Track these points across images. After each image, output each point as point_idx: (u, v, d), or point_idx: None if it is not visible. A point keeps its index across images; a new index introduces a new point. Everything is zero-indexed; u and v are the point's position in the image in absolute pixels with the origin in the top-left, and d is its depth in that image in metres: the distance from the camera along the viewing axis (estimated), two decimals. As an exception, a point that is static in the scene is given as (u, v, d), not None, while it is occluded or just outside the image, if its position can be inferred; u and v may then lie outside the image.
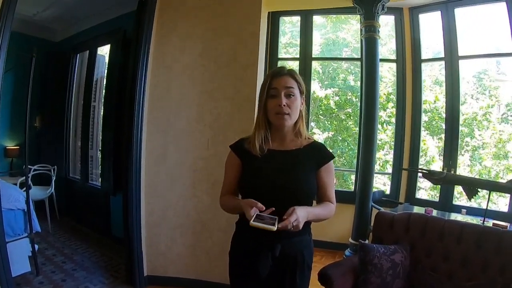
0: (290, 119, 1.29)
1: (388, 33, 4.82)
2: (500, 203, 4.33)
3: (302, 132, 1.35)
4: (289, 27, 5.43)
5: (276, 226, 1.08)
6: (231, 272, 1.40)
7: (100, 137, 4.25)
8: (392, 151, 4.28)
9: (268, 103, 1.30)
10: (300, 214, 1.13)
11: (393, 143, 4.16)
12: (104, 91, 4.25)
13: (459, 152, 3.84)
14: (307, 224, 1.32)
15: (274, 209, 1.16)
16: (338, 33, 5.74)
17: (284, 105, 1.26)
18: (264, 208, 1.15)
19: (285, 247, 1.26)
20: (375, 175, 3.63)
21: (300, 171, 1.30)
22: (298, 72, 1.36)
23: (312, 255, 1.36)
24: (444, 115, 3.85)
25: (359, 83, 5.00)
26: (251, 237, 1.29)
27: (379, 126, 5.10)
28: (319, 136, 5.86)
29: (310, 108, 4.35)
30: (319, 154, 1.35)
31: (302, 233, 1.30)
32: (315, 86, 5.62)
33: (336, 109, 5.97)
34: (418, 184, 4.06)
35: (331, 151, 1.40)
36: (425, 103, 4.54)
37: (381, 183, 5.26)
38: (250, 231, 1.27)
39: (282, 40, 5.62)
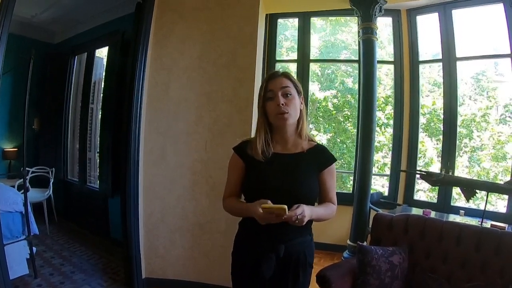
0: (291, 117, 1.30)
1: (382, 31, 4.82)
2: (498, 204, 4.33)
3: (304, 131, 1.36)
4: (292, 32, 5.43)
5: (287, 209, 1.11)
6: (234, 273, 1.41)
7: (98, 139, 4.23)
8: (390, 154, 4.28)
9: (266, 106, 1.31)
10: (306, 210, 1.16)
11: (391, 145, 4.17)
12: (102, 93, 4.25)
13: (457, 153, 3.84)
14: (309, 224, 1.34)
15: None
16: (337, 36, 5.75)
17: (283, 104, 1.27)
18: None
19: (288, 248, 1.28)
20: (373, 176, 3.64)
21: (302, 174, 1.31)
22: (296, 74, 1.37)
23: (313, 254, 1.39)
24: (442, 117, 3.85)
25: (357, 85, 5.01)
26: (255, 238, 1.31)
27: (377, 128, 5.10)
28: (320, 138, 5.86)
29: (309, 110, 4.35)
30: (321, 157, 1.37)
31: (304, 234, 1.33)
32: (313, 88, 5.63)
33: (334, 111, 5.98)
34: (416, 185, 4.06)
35: None
36: (423, 107, 4.55)
37: (380, 184, 5.26)
38: (254, 232, 1.30)
39: (285, 44, 5.64)
